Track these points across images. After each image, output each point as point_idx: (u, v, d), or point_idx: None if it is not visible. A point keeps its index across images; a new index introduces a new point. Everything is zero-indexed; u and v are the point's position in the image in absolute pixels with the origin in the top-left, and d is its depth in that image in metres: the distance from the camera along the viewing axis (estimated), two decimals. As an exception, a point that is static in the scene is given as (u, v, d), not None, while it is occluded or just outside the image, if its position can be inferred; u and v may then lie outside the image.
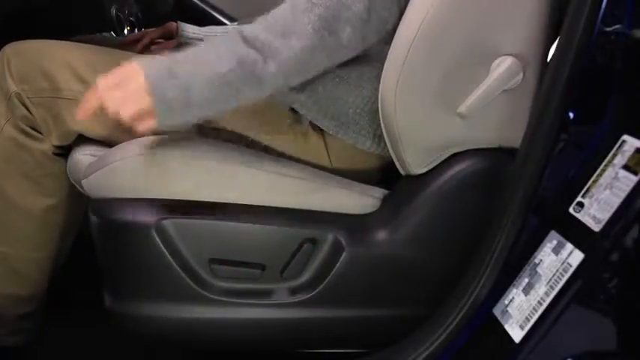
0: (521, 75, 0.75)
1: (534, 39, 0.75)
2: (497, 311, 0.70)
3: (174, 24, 1.15)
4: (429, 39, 0.75)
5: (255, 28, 0.75)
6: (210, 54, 0.75)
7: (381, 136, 0.87)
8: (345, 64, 0.87)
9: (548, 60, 0.76)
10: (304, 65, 0.77)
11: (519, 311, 0.67)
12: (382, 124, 0.84)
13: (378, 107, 0.84)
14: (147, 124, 0.72)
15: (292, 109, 0.89)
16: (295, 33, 0.74)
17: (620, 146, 0.62)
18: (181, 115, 0.73)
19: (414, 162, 0.83)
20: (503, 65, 0.74)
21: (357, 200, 0.86)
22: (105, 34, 1.35)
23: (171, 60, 0.73)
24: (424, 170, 0.84)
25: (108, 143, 0.88)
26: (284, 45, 0.74)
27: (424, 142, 0.81)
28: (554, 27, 0.75)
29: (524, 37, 0.75)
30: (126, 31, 1.36)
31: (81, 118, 0.74)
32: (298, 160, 0.89)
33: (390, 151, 0.85)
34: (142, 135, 0.78)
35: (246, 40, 0.74)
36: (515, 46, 0.75)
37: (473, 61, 0.75)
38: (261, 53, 0.73)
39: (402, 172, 0.87)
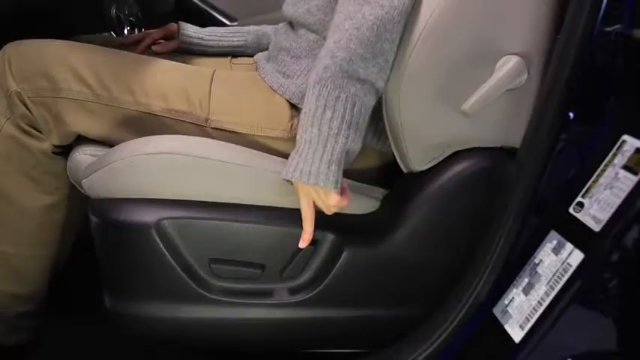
0: (525, 74, 0.75)
1: (539, 38, 0.75)
2: (497, 311, 0.70)
3: (175, 25, 1.15)
4: (434, 37, 0.75)
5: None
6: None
7: (382, 132, 0.87)
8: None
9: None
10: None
11: (519, 311, 0.67)
12: (385, 120, 0.84)
13: (380, 103, 0.84)
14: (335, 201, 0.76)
15: (293, 107, 0.89)
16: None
17: (620, 146, 0.62)
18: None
19: (416, 159, 0.83)
20: (508, 64, 0.74)
21: (357, 200, 0.86)
22: (105, 34, 1.35)
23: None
24: (426, 167, 0.84)
25: (108, 143, 0.88)
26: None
27: (427, 140, 0.81)
28: (558, 26, 0.75)
29: (529, 36, 0.75)
30: (126, 32, 1.36)
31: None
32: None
33: (392, 147, 0.85)
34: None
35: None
36: (520, 45, 0.75)
37: (478, 59, 0.75)
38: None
39: (404, 169, 0.87)
